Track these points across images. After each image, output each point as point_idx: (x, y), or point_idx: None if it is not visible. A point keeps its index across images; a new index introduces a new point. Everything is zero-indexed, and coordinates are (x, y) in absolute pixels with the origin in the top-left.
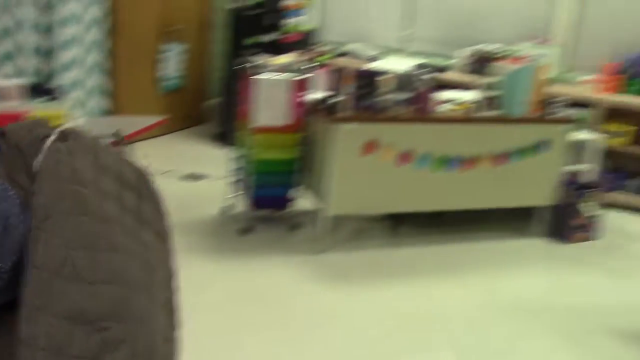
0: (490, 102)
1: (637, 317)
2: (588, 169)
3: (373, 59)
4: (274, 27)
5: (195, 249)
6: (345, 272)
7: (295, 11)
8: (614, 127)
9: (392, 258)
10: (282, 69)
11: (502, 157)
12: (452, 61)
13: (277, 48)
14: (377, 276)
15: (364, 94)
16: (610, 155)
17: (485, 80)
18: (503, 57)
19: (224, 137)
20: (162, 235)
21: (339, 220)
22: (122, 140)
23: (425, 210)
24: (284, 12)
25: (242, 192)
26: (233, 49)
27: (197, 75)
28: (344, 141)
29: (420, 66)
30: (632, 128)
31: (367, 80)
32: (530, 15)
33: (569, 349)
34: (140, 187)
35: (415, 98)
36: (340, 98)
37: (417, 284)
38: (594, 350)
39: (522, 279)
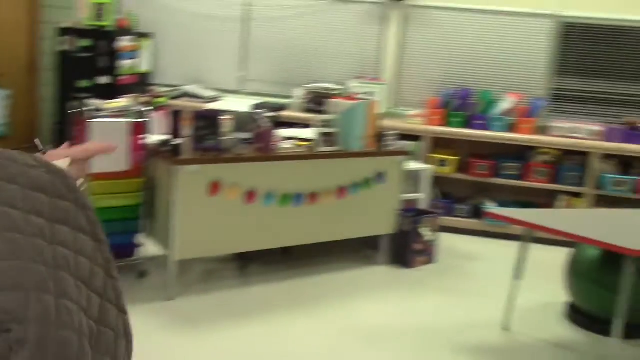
0: (328, 139)
1: (477, 332)
2: (422, 196)
3: (212, 100)
4: (108, 70)
5: None
6: (197, 317)
7: (130, 53)
8: (440, 156)
9: (245, 298)
10: (118, 112)
11: (343, 190)
12: (290, 100)
13: (112, 91)
14: (230, 318)
15: (204, 135)
16: (439, 182)
17: (322, 117)
18: (337, 95)
19: None
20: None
21: (188, 264)
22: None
23: (275, 247)
24: (117, 55)
25: None
26: (65, 92)
27: (26, 121)
28: (187, 184)
29: (259, 106)
30: (455, 157)
31: (207, 122)
32: (361, 56)
33: None
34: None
35: (256, 137)
36: (180, 140)
37: (271, 322)
38: None
39: (372, 306)
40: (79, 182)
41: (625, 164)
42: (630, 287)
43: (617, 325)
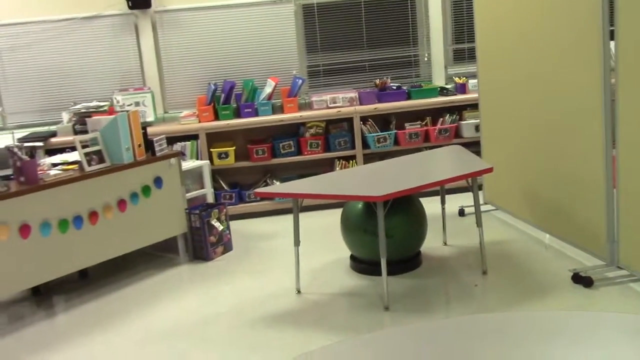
0: (96, 156)
1: (274, 302)
2: (207, 191)
3: None
4: None
5: None
6: None
7: None
8: (219, 149)
9: (46, 331)
10: None
11: (123, 203)
12: (58, 125)
13: None
14: (31, 355)
15: None
16: (224, 174)
17: (88, 136)
18: (103, 112)
19: None
20: None
21: None
22: None
23: (67, 274)
24: None
25: None
26: None
27: None
28: None
29: (24, 139)
30: (232, 148)
31: None
32: (121, 68)
33: (229, 349)
34: None
35: (17, 171)
36: None
37: (78, 345)
38: (258, 340)
39: (175, 305)
40: None
41: (384, 120)
42: (385, 229)
43: (383, 264)
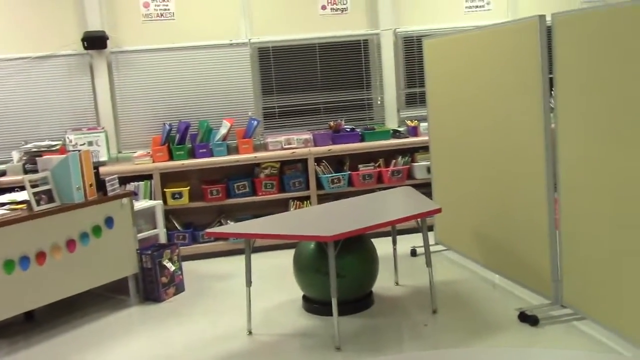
0: (45, 196)
1: (224, 343)
2: (159, 231)
3: None
4: None
5: None
6: None
7: None
8: (173, 189)
9: None
10: None
11: (72, 243)
12: (7, 165)
13: None
14: None
15: None
16: (178, 214)
17: (37, 175)
18: (54, 151)
19: None
20: None
21: None
22: None
23: (10, 316)
24: None
25: None
26: None
27: None
28: None
29: None
30: (187, 188)
31: None
32: (75, 107)
33: None
34: None
35: None
36: None
37: None
38: None
39: (127, 346)
40: None
41: (338, 162)
42: (336, 269)
43: (334, 304)
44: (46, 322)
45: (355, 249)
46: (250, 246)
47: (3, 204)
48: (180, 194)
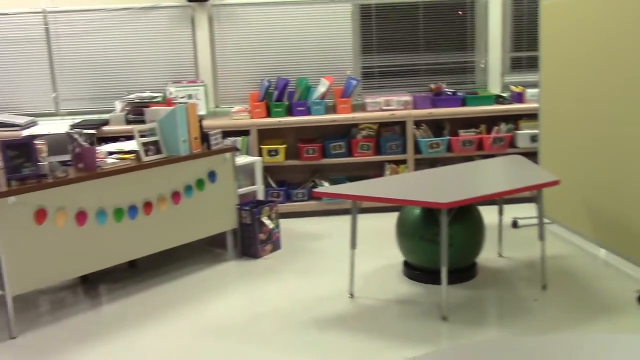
0: (152, 147)
1: (325, 305)
2: (258, 188)
3: (27, 126)
4: None
5: None
6: (43, 349)
7: None
8: (269, 147)
9: (95, 320)
10: None
11: (177, 195)
12: (111, 114)
13: None
14: (80, 343)
15: (19, 164)
16: (273, 171)
17: (146, 126)
18: (158, 102)
19: None
20: None
21: (32, 297)
22: None
23: (117, 263)
24: None
25: None
26: None
27: None
28: (9, 216)
29: (78, 125)
30: (283, 146)
31: (18, 150)
32: (176, 60)
33: (283, 350)
34: None
35: (77, 157)
36: None
37: (124, 338)
38: (305, 342)
39: (223, 301)
40: None
41: (437, 126)
42: (447, 237)
43: (443, 273)
44: (147, 272)
45: (465, 217)
46: (356, 208)
47: (112, 153)
48: (277, 151)
